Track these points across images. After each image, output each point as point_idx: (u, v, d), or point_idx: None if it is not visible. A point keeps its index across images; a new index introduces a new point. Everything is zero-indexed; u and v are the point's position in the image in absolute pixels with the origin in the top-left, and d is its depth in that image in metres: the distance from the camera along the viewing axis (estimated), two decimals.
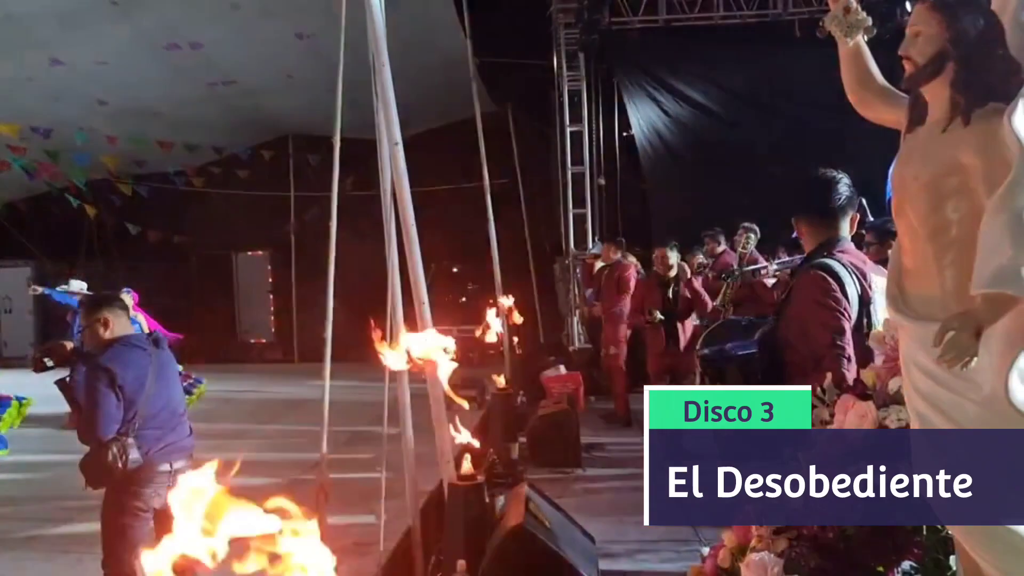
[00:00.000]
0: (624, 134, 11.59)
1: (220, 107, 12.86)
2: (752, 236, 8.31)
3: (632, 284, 8.57)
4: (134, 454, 3.50)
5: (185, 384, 8.59)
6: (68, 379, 3.62)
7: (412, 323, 4.13)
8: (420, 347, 3.29)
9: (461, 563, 3.22)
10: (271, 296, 16.08)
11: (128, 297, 8.56)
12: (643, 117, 10.83)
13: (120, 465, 3.46)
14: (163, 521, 3.42)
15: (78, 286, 9.22)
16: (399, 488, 4.49)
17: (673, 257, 7.70)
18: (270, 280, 16.30)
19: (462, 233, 12.31)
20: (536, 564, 3.17)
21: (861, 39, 2.04)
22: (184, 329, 12.96)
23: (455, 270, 15.33)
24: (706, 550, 2.33)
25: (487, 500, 3.73)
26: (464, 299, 14.87)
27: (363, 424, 6.33)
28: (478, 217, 11.60)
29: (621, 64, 11.13)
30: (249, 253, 16.74)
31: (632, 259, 9.10)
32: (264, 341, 16.15)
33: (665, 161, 10.98)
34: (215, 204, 15.98)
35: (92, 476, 3.54)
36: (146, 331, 7.16)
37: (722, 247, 8.42)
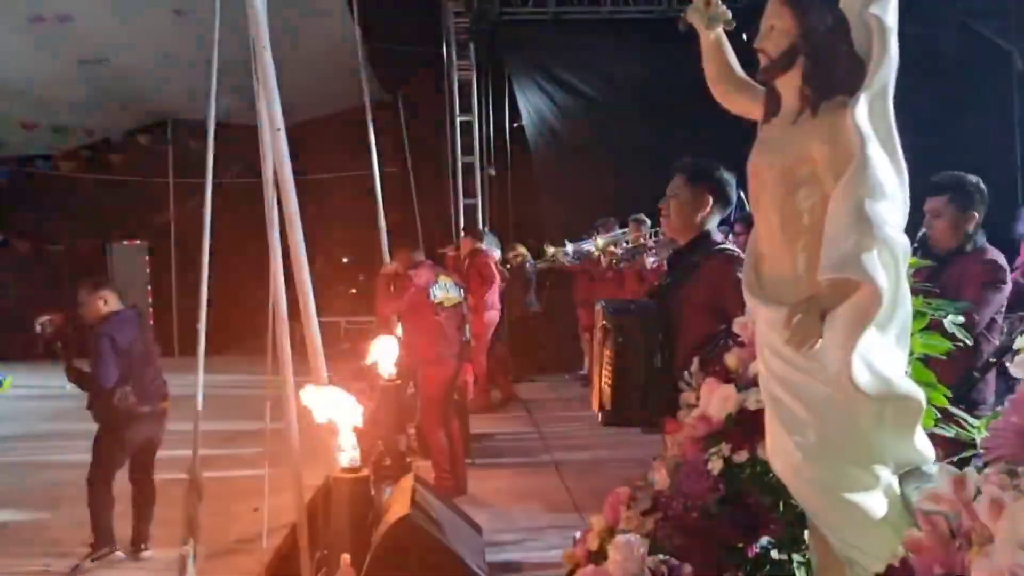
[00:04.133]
0: (515, 125, 11.65)
1: (92, 87, 12.11)
2: (644, 227, 8.62)
3: (495, 272, 8.65)
4: (131, 399, 4.75)
5: None
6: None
7: (296, 315, 4.02)
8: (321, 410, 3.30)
9: (345, 556, 3.16)
10: (149, 288, 15.32)
11: None
12: (533, 108, 10.91)
13: (127, 405, 4.72)
14: (141, 453, 4.90)
15: None
16: (285, 485, 4.38)
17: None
18: (148, 271, 15.54)
19: (353, 223, 12.08)
20: (421, 555, 3.15)
21: (721, 32, 2.11)
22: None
23: (345, 260, 15.06)
24: (578, 534, 2.38)
25: (373, 493, 3.68)
26: (354, 290, 14.64)
27: (246, 419, 6.13)
28: (365, 205, 11.43)
29: (511, 54, 11.17)
30: (125, 243, 15.90)
31: (493, 249, 9.15)
32: None
33: (554, 151, 11.11)
34: (87, 191, 15.11)
35: (99, 414, 4.82)
36: None
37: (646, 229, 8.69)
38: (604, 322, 3.04)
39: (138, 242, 15.76)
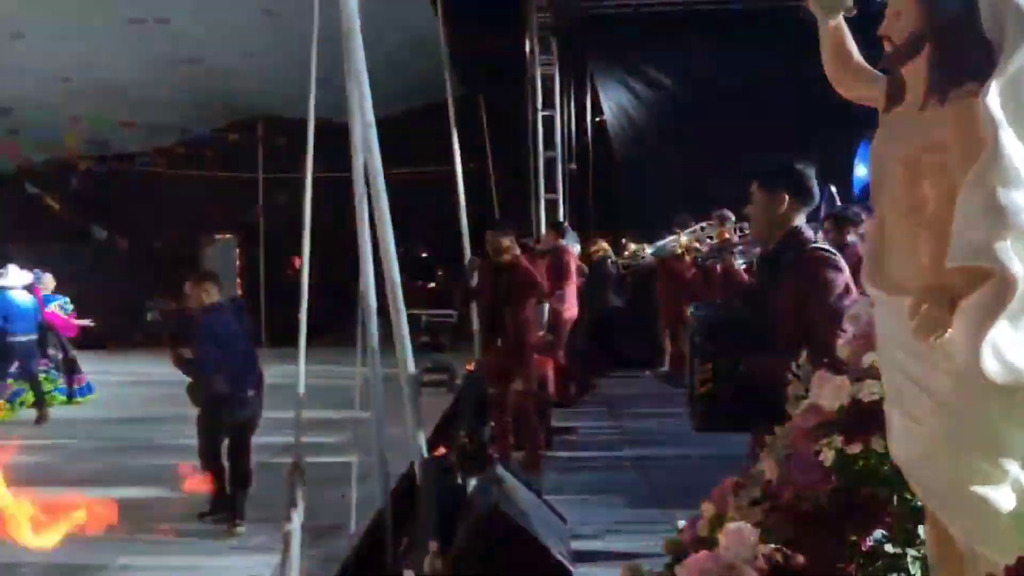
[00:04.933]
0: (597, 119, 11.59)
1: (186, 87, 12.60)
2: (728, 223, 8.45)
3: (574, 268, 8.61)
4: (223, 385, 5.11)
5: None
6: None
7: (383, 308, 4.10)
8: None
9: (433, 544, 3.22)
10: (239, 280, 15.85)
11: (46, 279, 8.49)
12: (615, 102, 10.85)
13: (223, 389, 5.10)
14: (238, 434, 5.26)
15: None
16: (371, 471, 4.48)
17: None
18: (237, 264, 16.08)
19: (431, 217, 12.23)
20: (509, 545, 3.17)
21: (841, 19, 2.05)
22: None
23: (424, 255, 15.25)
24: (682, 523, 2.35)
25: (459, 482, 3.73)
26: (433, 284, 14.83)
27: (334, 407, 6.28)
28: (445, 201, 11.53)
29: (594, 48, 11.12)
30: (216, 237, 16.50)
31: (573, 245, 9.10)
32: None
33: (636, 147, 11.03)
34: (180, 187, 15.73)
35: (199, 398, 5.28)
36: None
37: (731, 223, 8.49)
38: (695, 327, 3.03)
39: (228, 236, 16.35)
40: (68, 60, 10.67)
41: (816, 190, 3.24)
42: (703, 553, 1.99)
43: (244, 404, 5.25)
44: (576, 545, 4.14)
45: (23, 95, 11.69)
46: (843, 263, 2.98)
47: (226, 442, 5.27)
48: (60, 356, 9.44)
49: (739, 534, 1.87)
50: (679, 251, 9.01)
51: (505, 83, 12.47)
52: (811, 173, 3.18)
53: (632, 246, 9.69)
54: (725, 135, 9.86)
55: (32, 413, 8.64)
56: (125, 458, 7.05)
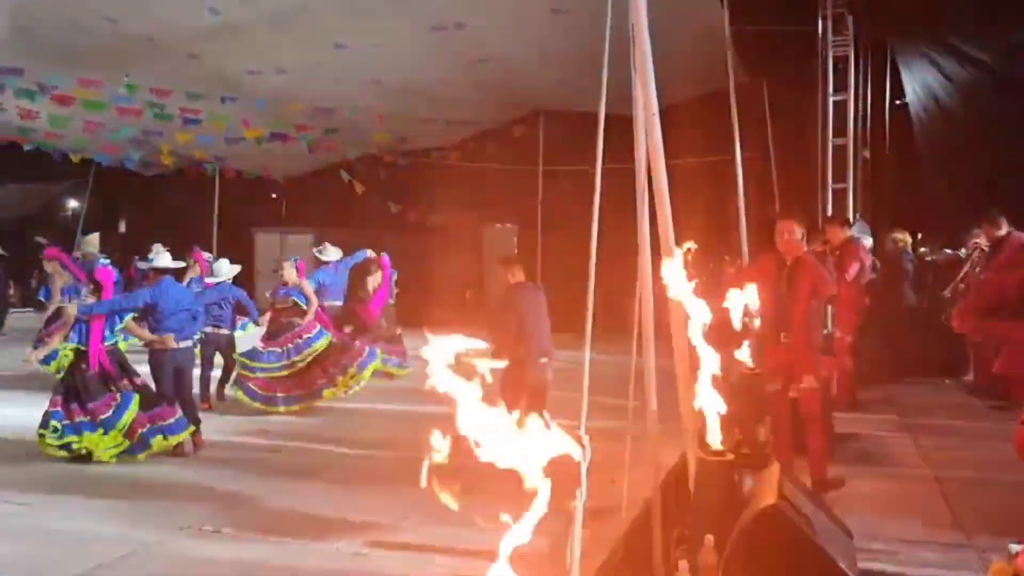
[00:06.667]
0: (896, 103, 10.61)
1: (477, 85, 13.44)
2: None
3: (866, 265, 7.91)
4: (524, 350, 5.96)
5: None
6: None
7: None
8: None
9: (709, 538, 3.18)
10: None
11: (291, 268, 9.46)
12: (919, 83, 9.84)
13: (521, 353, 5.95)
14: (535, 393, 6.07)
15: (335, 253, 10.28)
16: (638, 460, 4.51)
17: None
18: (515, 252, 16.90)
19: (704, 208, 11.94)
20: (788, 548, 3.04)
21: None
22: (433, 295, 13.92)
23: (696, 246, 14.96)
24: (1015, 547, 2.11)
25: (735, 478, 3.64)
26: (703, 277, 14.49)
27: (605, 395, 6.42)
28: (722, 192, 11.20)
29: (895, 25, 10.16)
30: (497, 226, 17.47)
31: (864, 238, 8.32)
32: None
33: (943, 133, 9.92)
34: (467, 178, 16.88)
35: (505, 358, 5.82)
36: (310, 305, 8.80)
37: (1003, 230, 7.48)
38: None
39: (508, 225, 17.25)
40: (379, 65, 11.85)
41: None
42: None
43: (538, 368, 6.14)
44: (863, 562, 3.86)
45: (342, 97, 13.20)
46: None
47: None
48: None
49: None
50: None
51: (792, 67, 11.84)
52: None
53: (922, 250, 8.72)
54: None
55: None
56: None
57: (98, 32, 10.01)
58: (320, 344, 8.54)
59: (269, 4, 9.68)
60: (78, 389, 6.53)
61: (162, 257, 7.38)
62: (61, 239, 16.37)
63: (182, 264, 8.35)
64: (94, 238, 10.71)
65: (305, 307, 8.70)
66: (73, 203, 24.80)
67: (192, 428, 6.84)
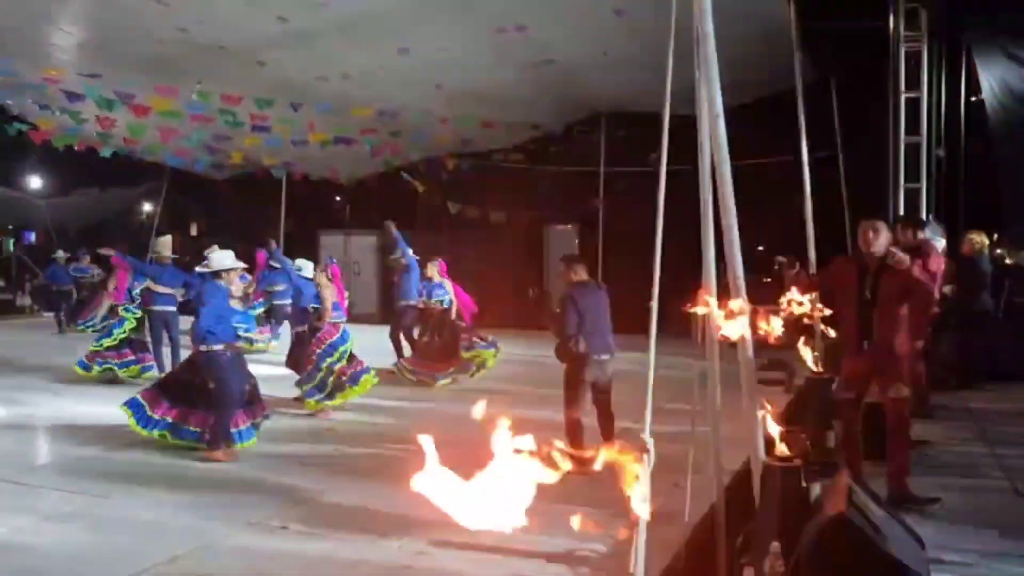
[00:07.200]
0: (972, 99, 10.24)
1: (539, 87, 13.44)
2: None
3: (938, 268, 7.63)
4: (582, 347, 6.07)
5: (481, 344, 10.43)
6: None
7: (725, 302, 4.04)
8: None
9: (775, 544, 3.13)
10: None
11: (435, 266, 10.05)
12: (996, 79, 9.48)
13: (578, 350, 6.06)
14: (597, 388, 6.22)
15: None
16: (702, 465, 4.46)
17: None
18: (577, 253, 16.83)
19: (769, 209, 11.74)
20: (858, 558, 2.96)
21: None
22: (495, 296, 13.96)
23: (760, 248, 14.71)
24: None
25: (803, 485, 3.56)
26: (768, 279, 14.25)
27: (667, 399, 6.35)
28: (787, 193, 10.96)
29: (972, 19, 9.81)
30: (558, 227, 17.45)
31: (937, 239, 8.01)
32: None
33: (1021, 128, 9.55)
34: (529, 180, 16.91)
35: (563, 355, 6.20)
36: (452, 298, 9.30)
37: None
38: None
39: (569, 226, 17.22)
40: (441, 69, 11.95)
41: None
42: None
43: (598, 364, 6.16)
44: (936, 573, 3.73)
45: (406, 100, 13.36)
46: None
47: (588, 395, 6.20)
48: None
49: None
50: None
51: (862, 64, 11.55)
52: None
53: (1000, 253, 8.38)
54: None
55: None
56: None
57: (171, 41, 10.36)
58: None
59: (335, 11, 9.87)
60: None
61: (223, 256, 7.40)
62: (132, 242, 16.92)
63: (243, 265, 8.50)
64: (167, 240, 11.06)
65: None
66: (147, 207, 25.67)
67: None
